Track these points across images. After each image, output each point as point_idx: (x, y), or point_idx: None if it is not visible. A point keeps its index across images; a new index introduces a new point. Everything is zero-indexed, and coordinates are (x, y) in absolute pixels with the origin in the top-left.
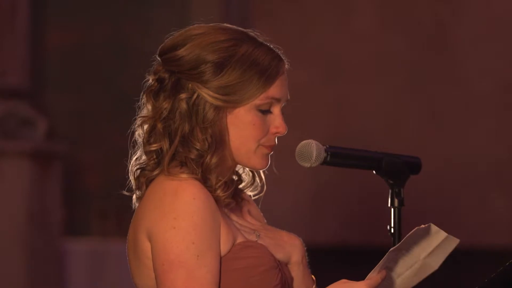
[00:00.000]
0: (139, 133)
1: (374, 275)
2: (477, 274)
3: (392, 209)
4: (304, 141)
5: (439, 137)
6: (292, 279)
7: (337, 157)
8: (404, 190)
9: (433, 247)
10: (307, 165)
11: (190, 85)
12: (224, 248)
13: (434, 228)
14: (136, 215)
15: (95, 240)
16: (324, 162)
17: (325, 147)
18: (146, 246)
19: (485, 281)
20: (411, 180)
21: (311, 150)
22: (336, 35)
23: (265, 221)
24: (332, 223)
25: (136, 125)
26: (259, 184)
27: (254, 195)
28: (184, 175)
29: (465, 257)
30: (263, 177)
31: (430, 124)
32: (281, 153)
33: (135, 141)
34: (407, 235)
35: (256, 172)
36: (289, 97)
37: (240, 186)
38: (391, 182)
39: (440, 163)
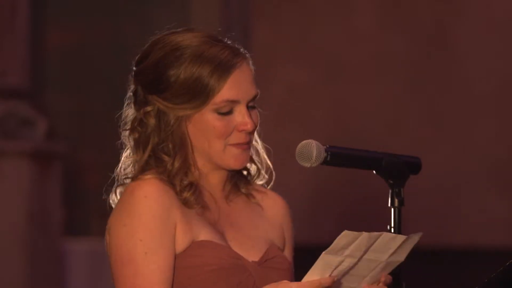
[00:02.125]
0: (123, 144)
1: (312, 280)
2: (477, 274)
3: (392, 209)
4: (304, 141)
5: (439, 137)
6: (263, 279)
7: (337, 157)
8: (404, 190)
9: (394, 249)
10: (307, 165)
11: (150, 97)
12: (181, 246)
13: (388, 235)
14: None
15: (95, 240)
16: (324, 162)
17: (325, 147)
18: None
19: (485, 281)
20: (411, 180)
21: (311, 150)
22: (336, 35)
23: (289, 212)
24: (331, 223)
25: (122, 136)
26: (265, 176)
27: (265, 184)
28: (148, 176)
29: (465, 257)
30: (270, 165)
31: (430, 124)
32: (281, 153)
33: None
34: (337, 238)
35: (260, 162)
36: (255, 91)
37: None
38: (391, 182)
39: (440, 163)
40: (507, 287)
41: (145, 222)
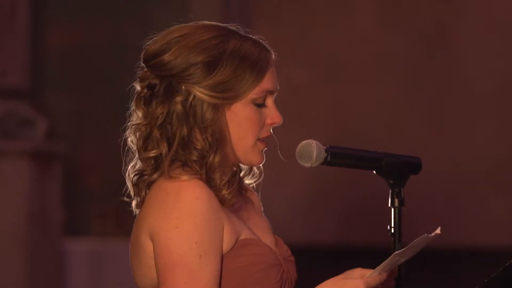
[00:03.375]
0: (132, 140)
1: (375, 275)
2: (477, 274)
3: (392, 209)
4: (305, 141)
5: (439, 137)
6: (295, 275)
7: (337, 157)
8: (404, 190)
9: (420, 248)
10: (307, 165)
11: (183, 87)
12: (227, 246)
13: (426, 237)
14: (138, 217)
15: (95, 240)
16: (324, 162)
17: (325, 147)
18: (148, 246)
19: (485, 281)
20: (411, 180)
21: (311, 150)
22: (336, 35)
23: (262, 209)
24: (332, 223)
25: (128, 132)
26: (257, 172)
27: (253, 182)
28: (185, 177)
29: (465, 257)
30: (261, 165)
31: (430, 124)
32: (281, 153)
33: (129, 148)
34: (414, 241)
35: None
36: (278, 87)
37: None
38: (391, 182)
39: (440, 163)
40: (507, 287)
41: (199, 224)
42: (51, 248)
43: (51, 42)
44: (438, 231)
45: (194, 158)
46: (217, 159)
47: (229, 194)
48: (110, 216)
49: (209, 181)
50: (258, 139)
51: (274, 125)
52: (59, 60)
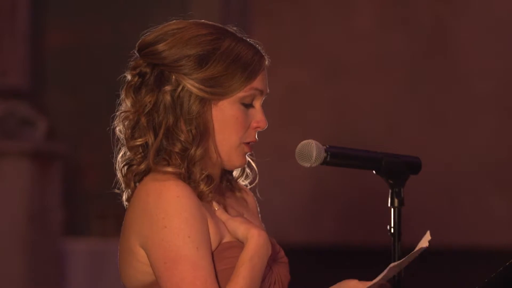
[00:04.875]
0: (120, 129)
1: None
2: (477, 274)
3: (392, 209)
4: (304, 141)
5: (439, 137)
6: (287, 277)
7: (337, 157)
8: (404, 190)
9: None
10: (307, 165)
11: (174, 77)
12: (212, 245)
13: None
14: (125, 218)
15: (95, 240)
16: (324, 162)
17: (325, 147)
18: (136, 250)
19: (485, 281)
20: (411, 180)
21: (311, 150)
22: (336, 35)
23: (259, 210)
24: (331, 223)
25: (117, 121)
26: (250, 174)
27: (248, 184)
28: (169, 169)
29: (465, 257)
30: (255, 166)
31: (430, 124)
32: (281, 153)
33: (118, 138)
34: (411, 253)
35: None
36: (268, 91)
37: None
38: (391, 182)
39: (440, 163)
40: (507, 287)
41: (187, 219)
42: (51, 248)
43: (51, 42)
44: (428, 236)
45: (177, 150)
46: (198, 152)
47: (207, 190)
48: (110, 216)
49: (189, 175)
50: (243, 142)
51: (259, 129)
52: (59, 60)
